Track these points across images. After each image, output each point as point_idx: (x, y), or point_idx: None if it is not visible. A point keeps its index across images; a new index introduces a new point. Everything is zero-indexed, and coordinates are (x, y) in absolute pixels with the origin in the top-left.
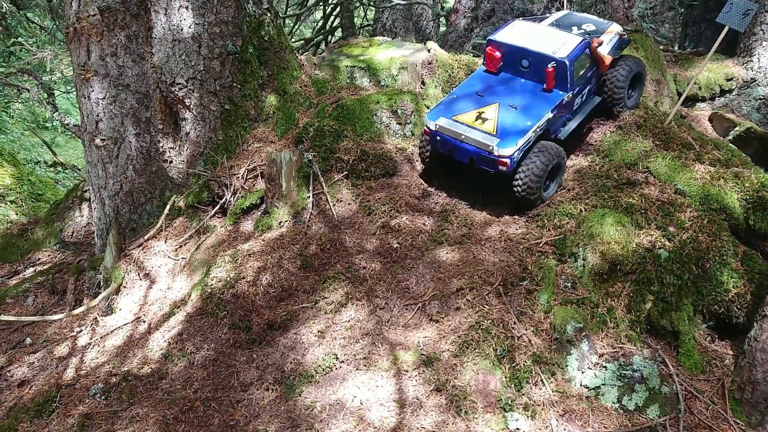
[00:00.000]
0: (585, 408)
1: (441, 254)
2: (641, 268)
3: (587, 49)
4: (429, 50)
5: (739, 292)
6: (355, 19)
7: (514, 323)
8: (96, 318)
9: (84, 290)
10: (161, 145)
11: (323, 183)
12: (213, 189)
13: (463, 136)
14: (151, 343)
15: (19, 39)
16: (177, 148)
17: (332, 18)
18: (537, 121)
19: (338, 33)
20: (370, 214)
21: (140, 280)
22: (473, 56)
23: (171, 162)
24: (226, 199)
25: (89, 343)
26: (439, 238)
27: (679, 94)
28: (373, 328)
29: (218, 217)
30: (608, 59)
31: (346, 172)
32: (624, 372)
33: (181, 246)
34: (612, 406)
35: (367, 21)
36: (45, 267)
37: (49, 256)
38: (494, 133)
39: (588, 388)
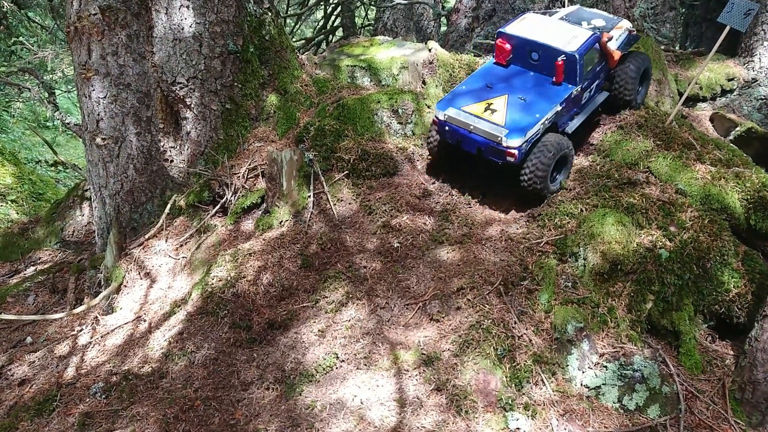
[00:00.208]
0: (585, 408)
1: (442, 254)
2: (642, 267)
3: (597, 44)
4: (430, 50)
5: (740, 292)
6: (356, 18)
7: (515, 323)
8: (96, 317)
9: (84, 289)
10: (162, 144)
11: (324, 182)
12: (214, 188)
13: (471, 127)
14: (152, 342)
15: (20, 38)
16: (178, 147)
17: (333, 17)
18: (545, 114)
19: (339, 32)
20: (370, 214)
21: (141, 279)
22: (474, 56)
23: (172, 161)
24: (226, 199)
25: (90, 342)
26: (440, 238)
27: (680, 94)
28: (374, 328)
29: (219, 217)
30: (617, 54)
31: (346, 172)
32: (624, 372)
33: (181, 245)
34: (612, 406)
35: (368, 20)
36: (46, 266)
37: (49, 255)
38: (503, 125)
39: (588, 387)
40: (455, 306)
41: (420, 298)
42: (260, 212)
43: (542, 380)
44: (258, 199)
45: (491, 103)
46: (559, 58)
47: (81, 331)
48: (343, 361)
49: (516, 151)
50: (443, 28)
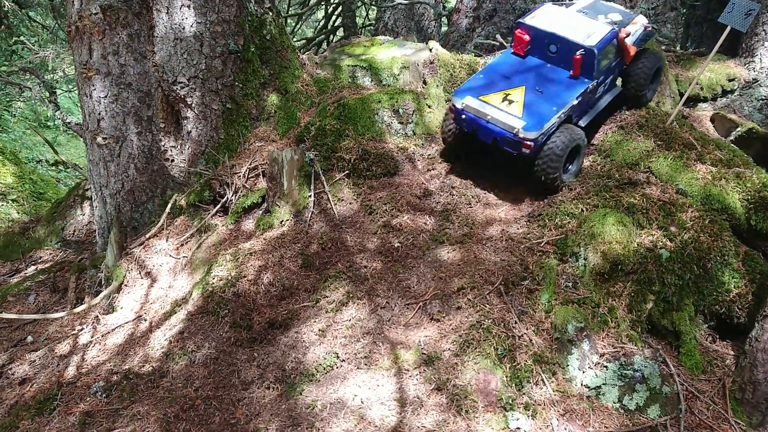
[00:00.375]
0: (586, 408)
1: (442, 253)
2: (642, 267)
3: (614, 39)
4: (431, 50)
5: (741, 292)
6: (357, 18)
7: (515, 323)
8: (97, 316)
9: (85, 289)
10: (163, 143)
11: (324, 182)
12: (214, 188)
13: (489, 117)
14: (152, 341)
15: (21, 37)
16: (178, 146)
17: (334, 17)
18: (562, 108)
19: (340, 32)
20: (371, 214)
21: (141, 278)
22: (475, 56)
23: (172, 161)
24: (227, 198)
25: (90, 342)
26: (441, 238)
27: (681, 95)
28: (374, 327)
29: (219, 216)
30: (633, 50)
31: (347, 172)
32: (625, 372)
33: (182, 245)
34: (613, 406)
35: (369, 20)
36: (46, 265)
37: (50, 254)
38: (520, 116)
39: (589, 387)
40: (456, 306)
41: (420, 297)
42: (261, 212)
43: (542, 380)
44: (259, 198)
45: (509, 94)
46: (578, 52)
47: (82, 330)
48: (343, 360)
49: (532, 143)
50: (444, 28)
